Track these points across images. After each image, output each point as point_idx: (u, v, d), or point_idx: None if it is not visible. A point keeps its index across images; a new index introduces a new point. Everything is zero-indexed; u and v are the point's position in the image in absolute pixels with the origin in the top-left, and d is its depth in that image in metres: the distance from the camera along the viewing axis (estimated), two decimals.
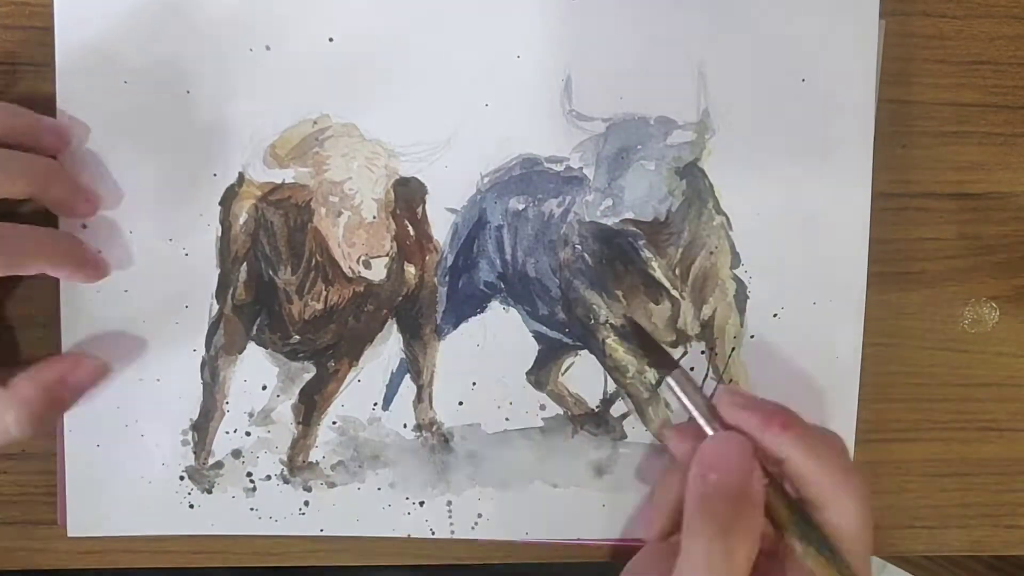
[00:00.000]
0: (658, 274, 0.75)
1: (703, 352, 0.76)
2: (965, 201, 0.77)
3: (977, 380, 0.79)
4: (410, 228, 0.73)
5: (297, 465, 0.75)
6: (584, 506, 0.76)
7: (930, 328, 0.78)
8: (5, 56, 0.72)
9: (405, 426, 0.75)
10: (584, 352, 0.75)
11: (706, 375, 0.76)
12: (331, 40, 0.72)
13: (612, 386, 0.76)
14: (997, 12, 0.76)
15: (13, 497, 0.76)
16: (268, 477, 0.75)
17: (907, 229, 0.77)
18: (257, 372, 0.74)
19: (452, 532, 0.77)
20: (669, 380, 0.70)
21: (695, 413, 0.69)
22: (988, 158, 0.77)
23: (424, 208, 0.73)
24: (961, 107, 0.77)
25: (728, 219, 0.74)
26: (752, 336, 0.76)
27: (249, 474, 0.75)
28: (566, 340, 0.75)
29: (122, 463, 0.74)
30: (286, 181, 0.73)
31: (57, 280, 0.72)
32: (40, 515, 0.76)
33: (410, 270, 0.74)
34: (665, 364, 0.73)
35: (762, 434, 0.63)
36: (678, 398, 0.70)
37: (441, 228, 0.74)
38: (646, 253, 0.74)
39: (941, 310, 0.78)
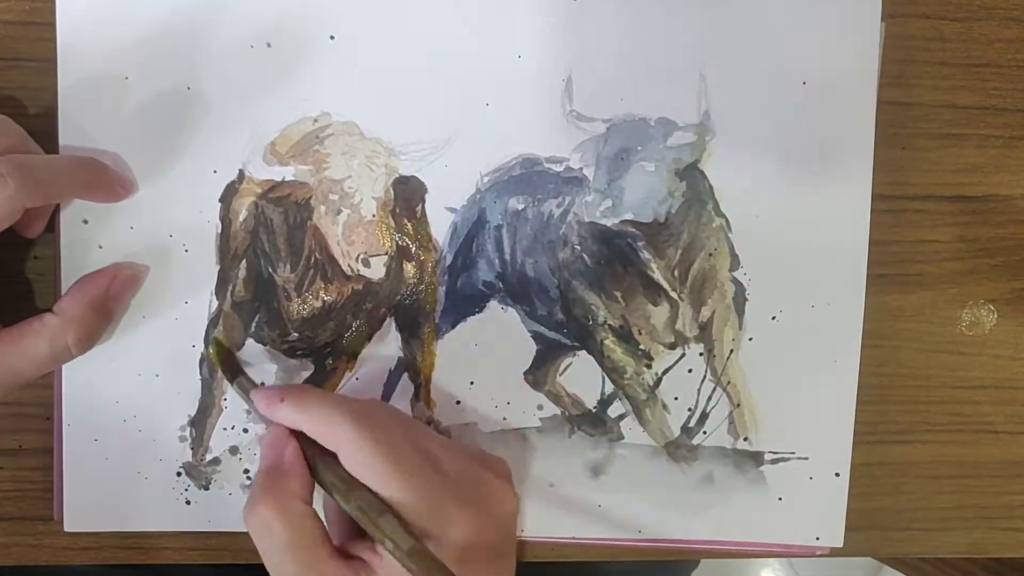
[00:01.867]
0: (657, 275, 0.75)
1: (701, 354, 0.76)
2: (964, 204, 0.77)
3: (975, 382, 0.79)
4: (409, 227, 0.73)
5: None
6: (581, 506, 0.76)
7: (928, 330, 0.78)
8: (6, 52, 0.72)
9: None
10: (582, 353, 0.75)
11: (704, 377, 0.76)
12: (332, 38, 0.72)
13: (610, 387, 0.76)
14: (997, 15, 0.76)
15: (10, 493, 0.76)
16: None
17: (905, 231, 0.77)
18: (256, 369, 0.74)
19: None
20: (234, 389, 0.73)
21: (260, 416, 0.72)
22: (987, 161, 0.77)
23: (424, 207, 0.73)
24: (960, 110, 0.77)
25: (728, 221, 0.74)
26: (751, 338, 0.76)
27: (246, 471, 0.75)
28: (564, 340, 0.75)
29: (120, 459, 0.74)
30: (286, 179, 0.73)
31: (57, 276, 0.73)
32: (37, 511, 0.76)
33: (409, 269, 0.74)
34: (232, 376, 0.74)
35: (272, 413, 0.66)
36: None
37: (440, 227, 0.74)
38: (645, 254, 0.74)
39: (939, 312, 0.78)
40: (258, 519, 0.62)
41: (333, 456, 0.64)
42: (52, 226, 0.72)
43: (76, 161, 0.70)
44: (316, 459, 0.65)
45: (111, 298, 0.71)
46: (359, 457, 0.62)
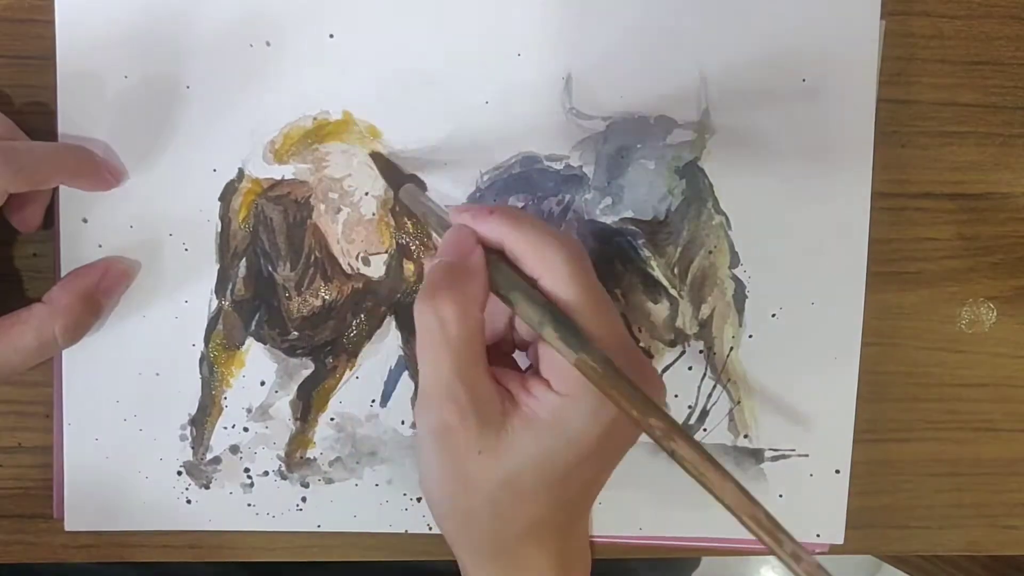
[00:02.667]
0: (657, 273, 0.75)
1: (701, 351, 0.76)
2: (963, 201, 0.77)
3: (974, 380, 0.79)
4: (409, 225, 0.73)
5: (295, 461, 0.75)
6: None
7: (927, 328, 0.78)
8: (6, 49, 0.72)
9: (403, 423, 0.76)
10: None
11: (704, 374, 0.76)
12: (331, 37, 0.72)
13: None
14: (997, 12, 0.76)
15: (9, 491, 0.76)
16: (266, 473, 0.75)
17: (905, 229, 0.77)
18: (255, 368, 0.74)
19: None
20: (400, 196, 0.72)
21: (430, 224, 0.69)
22: (987, 158, 0.77)
23: None
24: (960, 107, 0.76)
25: (727, 219, 0.74)
26: (751, 336, 0.76)
27: (247, 470, 0.75)
28: None
29: (120, 458, 0.75)
30: (286, 177, 0.73)
31: (56, 274, 0.73)
32: (36, 509, 0.76)
33: (409, 267, 0.74)
34: (399, 182, 0.73)
35: (477, 223, 0.63)
36: (413, 212, 0.72)
37: None
38: (645, 252, 0.74)
39: (938, 310, 0.78)
40: (434, 312, 0.59)
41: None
42: (51, 224, 0.72)
43: (62, 147, 0.71)
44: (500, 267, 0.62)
45: (101, 291, 0.72)
46: (564, 288, 0.60)
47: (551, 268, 0.60)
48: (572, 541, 0.66)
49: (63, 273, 0.72)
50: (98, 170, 0.71)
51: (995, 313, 0.78)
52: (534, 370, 0.63)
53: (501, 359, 0.67)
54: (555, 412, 0.60)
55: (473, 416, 0.60)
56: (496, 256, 0.62)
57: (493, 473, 0.61)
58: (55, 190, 0.72)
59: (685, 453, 0.53)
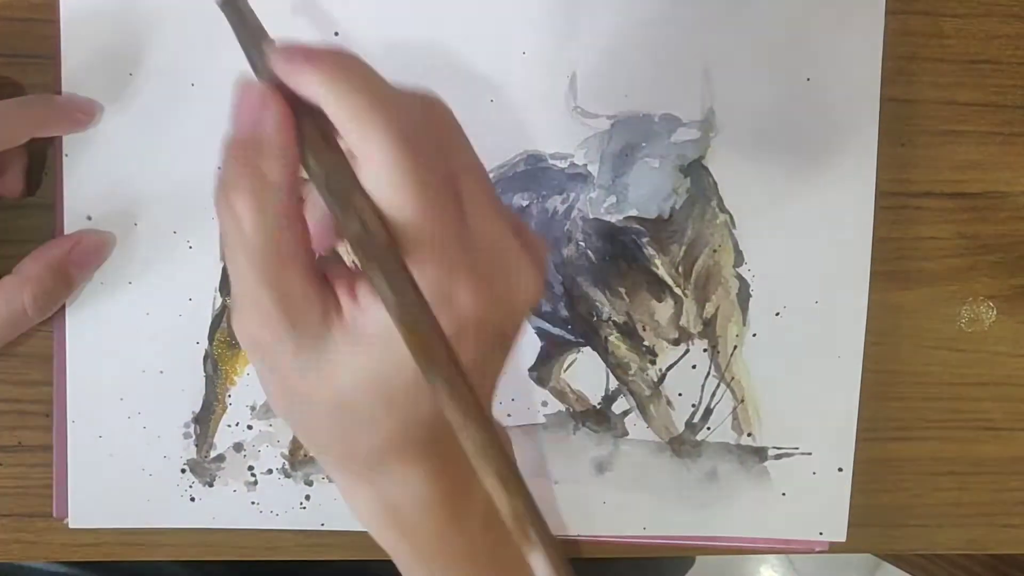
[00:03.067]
0: (661, 272, 0.75)
1: (705, 350, 0.76)
2: (963, 200, 0.77)
3: (974, 379, 0.79)
4: None
5: (299, 459, 0.75)
6: (585, 503, 0.77)
7: (927, 327, 0.79)
8: (8, 48, 0.72)
9: None
10: (586, 349, 0.76)
11: (708, 373, 0.76)
12: (336, 35, 0.72)
13: (614, 383, 0.76)
14: (997, 11, 0.76)
15: (9, 489, 0.76)
16: (270, 471, 0.75)
17: (905, 228, 0.77)
18: None
19: None
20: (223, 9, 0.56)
21: (245, 51, 0.56)
22: (987, 157, 0.77)
23: None
24: (960, 106, 0.77)
25: (731, 217, 0.74)
26: (754, 334, 0.76)
27: (251, 468, 0.75)
28: (568, 337, 0.75)
29: (124, 455, 0.75)
30: None
31: None
32: (36, 508, 0.76)
33: None
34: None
35: (290, 76, 0.51)
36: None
37: None
38: (649, 251, 0.74)
39: (939, 309, 0.78)
40: (227, 207, 0.49)
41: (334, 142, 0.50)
42: (53, 225, 0.72)
43: (21, 101, 0.70)
44: (309, 135, 0.49)
45: (72, 263, 0.71)
46: (384, 177, 0.46)
47: (372, 153, 0.47)
48: (445, 455, 0.55)
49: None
50: (67, 113, 0.71)
51: (995, 312, 0.79)
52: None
53: None
54: (382, 328, 0.48)
55: (285, 330, 0.49)
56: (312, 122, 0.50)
57: (324, 394, 0.51)
58: (59, 191, 0.72)
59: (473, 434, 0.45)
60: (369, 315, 0.48)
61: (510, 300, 0.53)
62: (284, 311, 0.48)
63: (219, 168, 0.51)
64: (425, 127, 0.51)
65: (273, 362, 0.52)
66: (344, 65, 0.50)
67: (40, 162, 0.72)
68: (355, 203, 0.47)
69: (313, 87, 0.49)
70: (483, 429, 0.45)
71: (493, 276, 0.51)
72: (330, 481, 0.75)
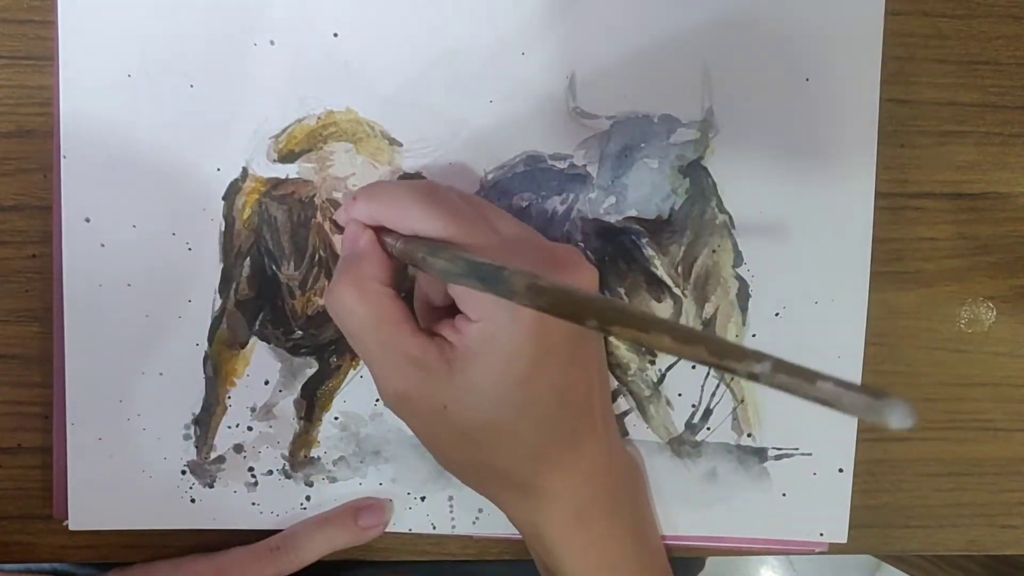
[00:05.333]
0: (660, 272, 0.75)
1: None
2: (963, 201, 0.77)
3: (974, 380, 0.79)
4: None
5: (299, 460, 0.75)
6: None
7: (927, 328, 0.79)
8: (4, 50, 0.72)
9: None
10: None
11: (708, 373, 0.76)
12: (336, 35, 0.72)
13: (613, 383, 0.76)
14: (996, 12, 0.76)
15: (9, 491, 0.76)
16: (270, 472, 0.75)
17: (905, 229, 0.77)
18: (259, 367, 0.74)
19: (453, 527, 0.77)
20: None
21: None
22: (986, 158, 0.77)
23: None
24: (960, 107, 0.77)
25: (731, 218, 0.74)
26: (754, 335, 0.76)
27: (251, 469, 0.75)
28: None
29: (124, 457, 0.74)
30: (290, 176, 0.73)
31: (52, 275, 0.73)
32: (36, 509, 0.76)
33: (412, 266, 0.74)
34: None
35: (351, 213, 0.67)
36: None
37: None
38: (648, 251, 0.74)
39: (938, 310, 0.78)
40: (337, 300, 0.63)
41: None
42: (52, 225, 0.72)
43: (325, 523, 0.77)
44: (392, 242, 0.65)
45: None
46: (423, 216, 0.62)
47: (414, 217, 0.63)
48: (592, 457, 0.68)
49: (65, 273, 0.72)
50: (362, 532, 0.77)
51: (994, 313, 0.79)
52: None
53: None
54: (481, 336, 0.61)
55: (418, 376, 0.62)
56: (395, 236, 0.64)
57: (465, 419, 0.63)
58: (57, 192, 0.72)
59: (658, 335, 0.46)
60: (470, 334, 0.61)
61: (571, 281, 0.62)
62: (411, 361, 0.62)
63: (328, 285, 0.67)
64: (455, 196, 0.65)
65: (418, 410, 0.64)
66: (369, 188, 0.68)
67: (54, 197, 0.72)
68: (439, 256, 0.58)
69: (364, 213, 0.66)
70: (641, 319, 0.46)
71: (547, 267, 0.62)
72: (331, 482, 0.76)
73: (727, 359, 0.43)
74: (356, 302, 0.62)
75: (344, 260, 0.66)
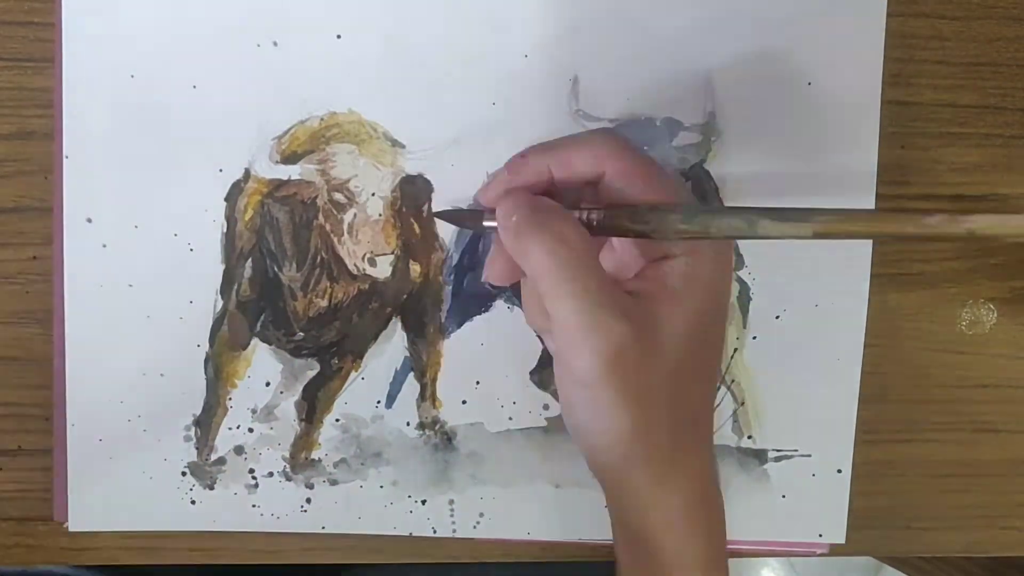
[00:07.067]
0: None
1: None
2: (963, 203, 0.77)
3: (974, 382, 0.79)
4: (416, 226, 0.73)
5: (299, 462, 0.75)
6: (586, 506, 0.76)
7: (928, 329, 0.79)
8: (5, 52, 0.72)
9: (408, 424, 0.75)
10: None
11: None
12: (339, 37, 0.72)
13: None
14: (996, 14, 0.76)
15: (10, 494, 0.76)
16: (270, 474, 0.75)
17: None
18: (261, 369, 0.74)
19: (454, 531, 0.77)
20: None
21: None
22: (987, 160, 0.77)
23: (430, 206, 0.73)
24: (960, 108, 0.77)
25: None
26: (755, 337, 0.76)
27: (251, 471, 0.75)
28: None
29: (124, 458, 0.74)
30: (292, 178, 0.73)
31: (52, 277, 0.73)
32: (37, 512, 0.76)
33: (415, 268, 0.74)
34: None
35: (516, 176, 0.65)
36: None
37: (447, 227, 0.74)
38: None
39: (939, 312, 0.78)
40: (550, 232, 0.59)
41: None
42: (53, 227, 0.72)
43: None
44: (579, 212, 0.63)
45: None
46: (628, 167, 0.61)
47: (606, 159, 0.62)
48: (712, 456, 0.69)
49: (65, 274, 0.72)
50: None
51: (995, 314, 0.79)
52: (642, 262, 0.64)
53: None
54: (685, 272, 0.61)
55: (635, 326, 0.59)
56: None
57: (664, 367, 0.61)
58: (58, 193, 0.72)
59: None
60: (673, 271, 0.61)
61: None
62: (623, 316, 0.59)
63: (514, 224, 0.62)
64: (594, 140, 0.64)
65: (629, 364, 0.59)
66: (536, 148, 0.65)
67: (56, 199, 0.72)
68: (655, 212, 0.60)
69: (536, 169, 0.64)
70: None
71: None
72: (331, 484, 0.76)
73: None
74: (575, 233, 0.59)
75: (533, 223, 0.61)
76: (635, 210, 0.60)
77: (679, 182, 0.66)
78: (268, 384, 0.74)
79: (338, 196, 0.73)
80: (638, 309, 0.60)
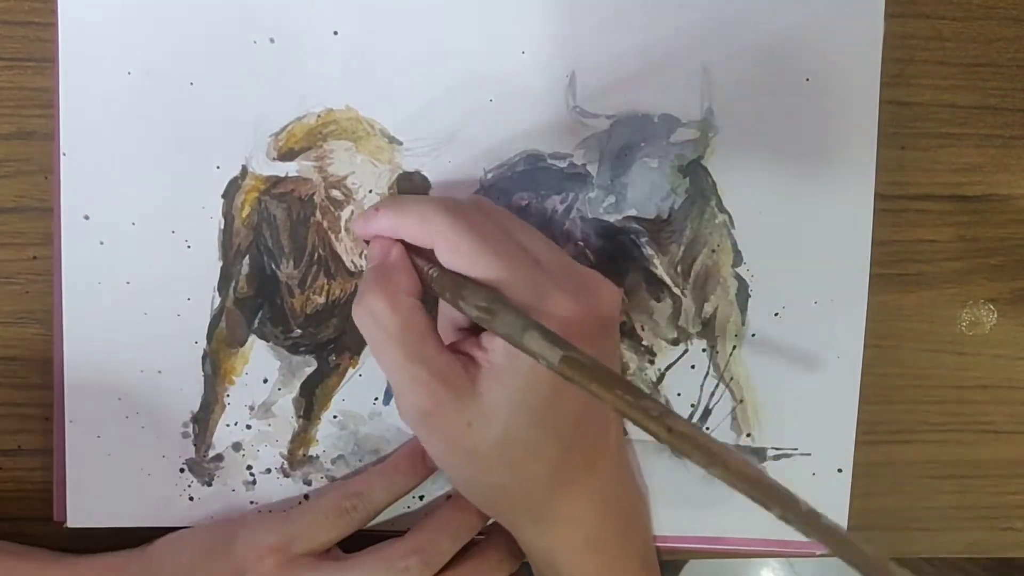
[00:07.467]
0: (660, 271, 0.75)
1: (704, 350, 0.76)
2: (963, 203, 0.77)
3: (974, 382, 0.79)
4: None
5: (297, 459, 0.75)
6: None
7: (928, 330, 0.78)
8: (5, 52, 0.72)
9: None
10: None
11: (707, 373, 0.76)
12: (335, 33, 0.72)
13: None
14: (996, 14, 0.76)
15: (9, 493, 0.76)
16: (268, 470, 0.75)
17: (905, 231, 0.77)
18: (258, 365, 0.74)
19: None
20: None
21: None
22: (987, 160, 0.77)
23: None
24: (960, 109, 0.77)
25: (730, 217, 0.74)
26: (753, 334, 0.76)
27: (249, 467, 0.75)
28: None
29: (122, 455, 0.74)
30: (289, 174, 0.73)
31: (51, 276, 0.73)
32: (37, 511, 0.76)
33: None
34: None
35: (371, 225, 0.67)
36: None
37: None
38: (648, 250, 0.74)
39: (939, 312, 0.78)
40: (366, 309, 0.62)
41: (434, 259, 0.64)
42: (52, 227, 0.72)
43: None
44: (424, 266, 0.65)
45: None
46: (453, 245, 0.62)
47: (437, 235, 0.63)
48: (606, 481, 0.69)
49: (64, 273, 0.72)
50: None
51: (995, 315, 0.79)
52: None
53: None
54: (508, 352, 0.61)
55: (445, 393, 0.62)
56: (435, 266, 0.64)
57: (489, 436, 0.62)
58: (57, 191, 0.72)
59: (682, 428, 0.52)
60: (495, 350, 0.62)
61: (598, 299, 0.65)
62: (436, 376, 0.61)
63: (358, 289, 0.67)
64: (476, 212, 0.65)
65: (441, 426, 0.63)
66: (396, 200, 0.67)
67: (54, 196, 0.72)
68: (466, 291, 0.60)
69: (387, 225, 0.66)
70: (685, 421, 0.53)
71: (576, 288, 0.64)
72: (329, 481, 0.76)
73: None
74: (388, 313, 0.61)
75: (374, 270, 0.65)
76: (457, 285, 0.62)
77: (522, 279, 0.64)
78: (266, 381, 0.74)
79: (335, 193, 0.73)
80: (460, 375, 0.62)
